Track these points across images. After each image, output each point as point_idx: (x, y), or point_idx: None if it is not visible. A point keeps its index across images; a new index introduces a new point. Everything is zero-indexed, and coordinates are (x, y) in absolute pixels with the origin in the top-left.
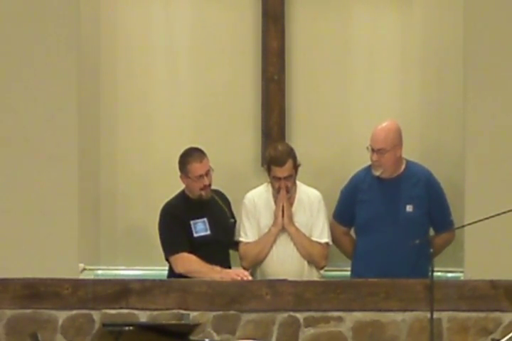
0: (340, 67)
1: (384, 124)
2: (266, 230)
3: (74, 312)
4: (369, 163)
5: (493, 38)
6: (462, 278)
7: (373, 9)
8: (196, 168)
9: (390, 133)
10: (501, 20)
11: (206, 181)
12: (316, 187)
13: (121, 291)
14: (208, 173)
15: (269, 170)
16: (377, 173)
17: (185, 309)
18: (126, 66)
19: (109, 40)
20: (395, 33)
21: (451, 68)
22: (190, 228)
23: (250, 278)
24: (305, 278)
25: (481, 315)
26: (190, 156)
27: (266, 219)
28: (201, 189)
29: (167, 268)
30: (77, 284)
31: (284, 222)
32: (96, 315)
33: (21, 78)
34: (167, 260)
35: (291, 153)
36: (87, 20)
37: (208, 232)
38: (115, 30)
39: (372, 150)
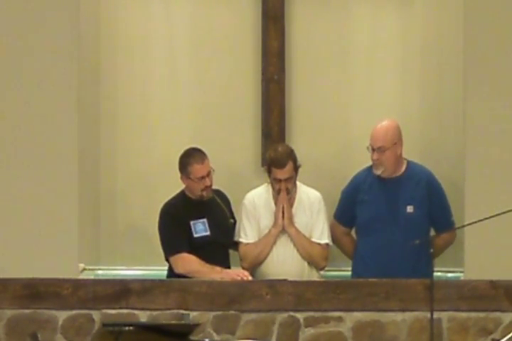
0: (340, 67)
1: (383, 123)
2: (266, 231)
3: (74, 312)
4: (369, 163)
5: (493, 38)
6: (462, 278)
7: (373, 9)
8: (198, 169)
9: (389, 130)
10: (501, 20)
11: (208, 182)
12: (316, 188)
13: (121, 291)
14: (209, 174)
15: (269, 172)
16: (378, 172)
17: (185, 309)
18: (126, 66)
19: (109, 40)
20: (395, 33)
21: (451, 68)
22: (190, 228)
23: (250, 278)
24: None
25: (481, 315)
26: (191, 157)
27: (266, 220)
28: (202, 190)
29: (167, 268)
30: (77, 284)
31: (284, 224)
32: (96, 315)
33: (21, 78)
34: (167, 260)
35: (291, 155)
36: (87, 20)
37: (208, 233)
38: (115, 30)
39: (373, 149)
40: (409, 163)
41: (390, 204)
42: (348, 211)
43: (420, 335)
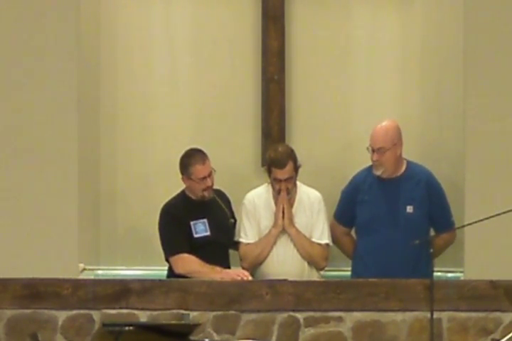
0: (340, 67)
1: (383, 123)
2: (266, 231)
3: (74, 312)
4: (369, 163)
5: (493, 38)
6: (462, 278)
7: (373, 9)
8: (199, 170)
9: (389, 131)
10: (501, 20)
11: (209, 182)
12: (316, 187)
13: (121, 291)
14: (210, 174)
15: (269, 172)
16: (378, 173)
17: (185, 309)
18: (126, 66)
19: (109, 40)
20: (395, 33)
21: (451, 68)
22: (190, 228)
23: (250, 278)
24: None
25: (481, 315)
26: (192, 158)
27: (266, 220)
28: (204, 190)
29: (167, 268)
30: (77, 284)
31: (284, 224)
32: (96, 315)
33: (21, 78)
34: (167, 260)
35: (291, 155)
36: (87, 20)
37: (208, 233)
38: (115, 30)
39: (373, 149)
40: (408, 163)
41: (390, 204)
42: (347, 211)
43: (420, 335)
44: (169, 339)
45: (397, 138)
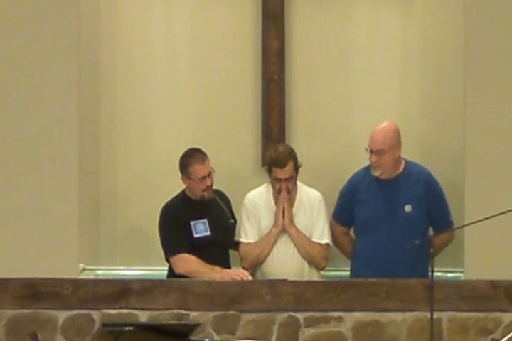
0: (340, 67)
1: (382, 125)
2: (266, 231)
3: (74, 312)
4: (368, 163)
5: (493, 38)
6: (462, 278)
7: (373, 9)
8: (199, 169)
9: (389, 134)
10: (501, 20)
11: (208, 182)
12: (315, 187)
13: (121, 291)
14: (209, 174)
15: (269, 172)
16: (376, 174)
17: (185, 309)
18: (126, 66)
19: (109, 40)
20: (395, 33)
21: (451, 68)
22: (191, 228)
23: (250, 278)
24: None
25: (481, 315)
26: (192, 158)
27: (266, 220)
28: (203, 190)
29: (167, 268)
30: (77, 284)
31: (284, 223)
32: (96, 315)
33: (21, 78)
34: (167, 260)
35: (291, 155)
36: (87, 20)
37: (208, 233)
38: (115, 30)
39: (371, 151)
40: (407, 162)
41: (388, 203)
42: (346, 210)
43: (420, 335)
44: (169, 339)
45: (396, 141)
